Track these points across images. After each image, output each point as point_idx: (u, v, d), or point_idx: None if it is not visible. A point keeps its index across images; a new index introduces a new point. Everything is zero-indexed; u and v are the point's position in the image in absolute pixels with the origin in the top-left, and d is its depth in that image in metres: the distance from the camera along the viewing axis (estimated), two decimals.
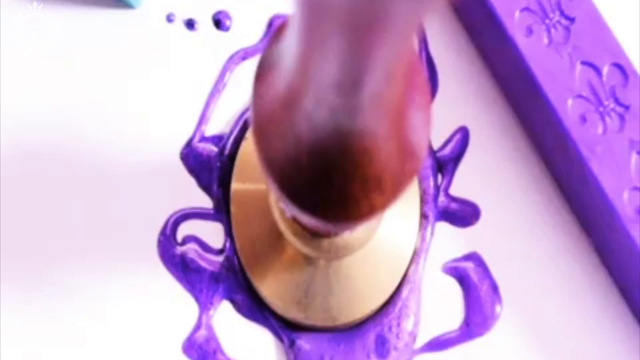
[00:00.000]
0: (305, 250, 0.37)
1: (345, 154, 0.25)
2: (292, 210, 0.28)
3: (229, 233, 0.41)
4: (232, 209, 0.40)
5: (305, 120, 0.25)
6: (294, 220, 0.36)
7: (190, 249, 0.41)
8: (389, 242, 0.39)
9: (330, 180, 0.26)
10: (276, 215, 0.37)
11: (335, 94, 0.23)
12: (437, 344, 0.40)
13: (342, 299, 0.39)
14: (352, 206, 0.27)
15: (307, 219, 0.28)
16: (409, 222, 0.40)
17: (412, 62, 0.25)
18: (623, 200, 0.37)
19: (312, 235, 0.36)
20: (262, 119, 0.26)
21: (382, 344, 0.40)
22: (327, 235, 0.36)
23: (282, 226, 0.37)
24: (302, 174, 0.26)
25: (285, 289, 0.39)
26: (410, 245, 0.40)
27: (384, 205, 0.27)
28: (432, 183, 0.41)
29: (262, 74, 0.26)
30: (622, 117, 0.38)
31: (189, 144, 0.41)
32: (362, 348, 0.40)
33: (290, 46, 0.24)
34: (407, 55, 0.23)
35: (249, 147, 0.41)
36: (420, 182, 0.41)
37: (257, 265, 0.40)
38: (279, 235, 0.39)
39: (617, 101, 0.38)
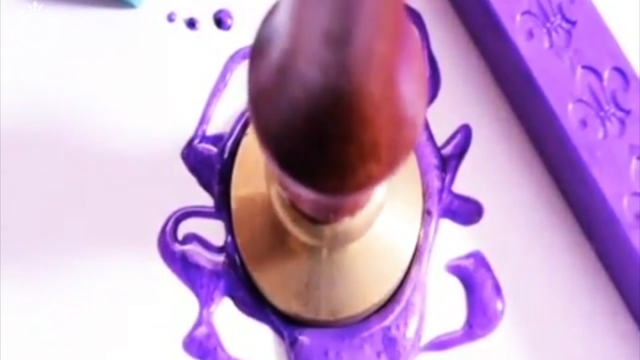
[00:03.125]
0: (306, 239, 0.37)
1: (340, 117, 0.25)
2: (289, 184, 0.28)
3: (229, 230, 0.41)
4: (233, 206, 0.40)
5: (299, 83, 0.25)
6: (295, 207, 0.36)
7: (191, 247, 0.41)
8: (390, 235, 0.39)
9: (326, 146, 0.26)
10: (277, 206, 0.37)
11: (326, 48, 0.23)
12: (439, 344, 0.40)
13: (344, 291, 0.39)
14: (349, 174, 0.26)
15: (305, 193, 0.27)
16: (411, 215, 0.40)
17: (404, 25, 0.25)
18: (623, 206, 0.37)
19: (313, 223, 0.36)
20: (257, 88, 0.26)
21: (391, 344, 0.40)
22: (328, 221, 0.36)
23: (282, 215, 0.37)
24: (297, 140, 0.26)
25: (286, 282, 0.39)
26: (412, 239, 0.40)
27: (381, 175, 0.27)
28: (435, 178, 0.41)
29: (257, 47, 0.26)
30: (622, 122, 0.38)
31: (189, 143, 0.41)
32: (370, 346, 0.40)
33: (283, 9, 0.24)
34: (396, 11, 0.23)
35: (249, 144, 0.41)
36: (423, 176, 0.41)
37: (258, 261, 0.40)
38: (279, 231, 0.38)
39: (617, 106, 0.38)
